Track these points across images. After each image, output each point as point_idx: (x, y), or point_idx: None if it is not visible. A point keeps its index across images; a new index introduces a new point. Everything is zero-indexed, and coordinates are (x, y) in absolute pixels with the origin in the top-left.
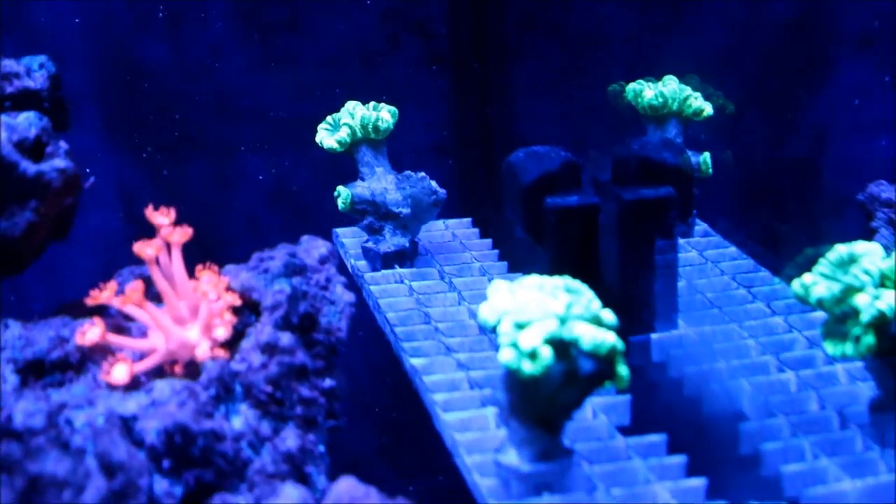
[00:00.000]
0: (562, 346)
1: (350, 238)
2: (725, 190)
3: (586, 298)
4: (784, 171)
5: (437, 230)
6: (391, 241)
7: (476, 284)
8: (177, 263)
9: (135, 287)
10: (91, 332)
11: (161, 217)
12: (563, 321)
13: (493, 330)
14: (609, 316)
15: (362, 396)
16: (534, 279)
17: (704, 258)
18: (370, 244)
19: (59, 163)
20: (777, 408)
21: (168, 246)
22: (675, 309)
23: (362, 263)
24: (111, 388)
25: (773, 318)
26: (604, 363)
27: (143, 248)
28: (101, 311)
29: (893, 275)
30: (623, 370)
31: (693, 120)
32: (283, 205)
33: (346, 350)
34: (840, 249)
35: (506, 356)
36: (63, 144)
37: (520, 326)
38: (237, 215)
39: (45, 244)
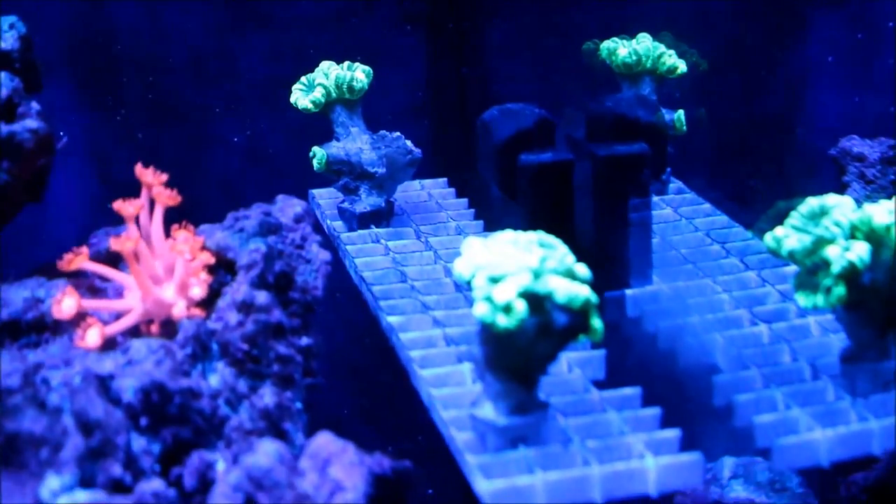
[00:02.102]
0: (536, 300)
1: (326, 199)
2: (700, 147)
3: (560, 253)
4: (758, 128)
5: (413, 190)
6: (367, 201)
7: (452, 243)
8: (156, 224)
9: (131, 236)
10: (66, 304)
11: (150, 176)
12: (537, 275)
13: (468, 284)
14: (583, 270)
15: (339, 355)
16: (508, 234)
17: (679, 215)
18: (346, 204)
19: (32, 123)
20: (750, 360)
21: (150, 206)
22: (649, 265)
23: (338, 224)
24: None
25: (747, 272)
26: (578, 316)
27: (124, 207)
28: (77, 271)
29: (864, 226)
30: (597, 323)
31: (667, 78)
32: (259, 166)
33: (322, 309)
34: (811, 202)
35: (480, 310)
36: (35, 105)
37: (494, 280)
38: (212, 177)
39: (18, 206)
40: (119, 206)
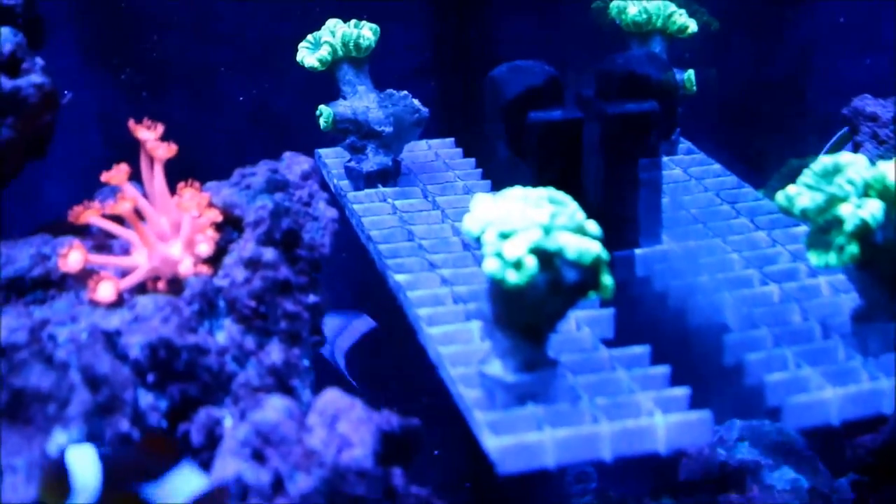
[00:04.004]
0: (546, 256)
1: (333, 158)
2: (710, 108)
3: (571, 209)
4: (769, 88)
5: (420, 150)
6: (374, 160)
7: (459, 202)
8: (158, 180)
9: (128, 196)
10: (72, 258)
11: (146, 132)
12: (547, 231)
13: (477, 240)
14: (593, 227)
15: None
16: (518, 191)
17: (689, 175)
18: (353, 163)
19: (36, 78)
20: (760, 319)
21: (151, 163)
22: (659, 224)
23: (345, 183)
24: (94, 304)
25: (757, 232)
26: (588, 273)
27: (114, 175)
28: (82, 228)
29: (878, 185)
30: (607, 280)
31: (677, 37)
32: (265, 126)
33: (329, 268)
34: (825, 160)
35: (490, 266)
36: (39, 61)
37: (504, 236)
38: (218, 138)
39: (22, 163)
40: (108, 176)
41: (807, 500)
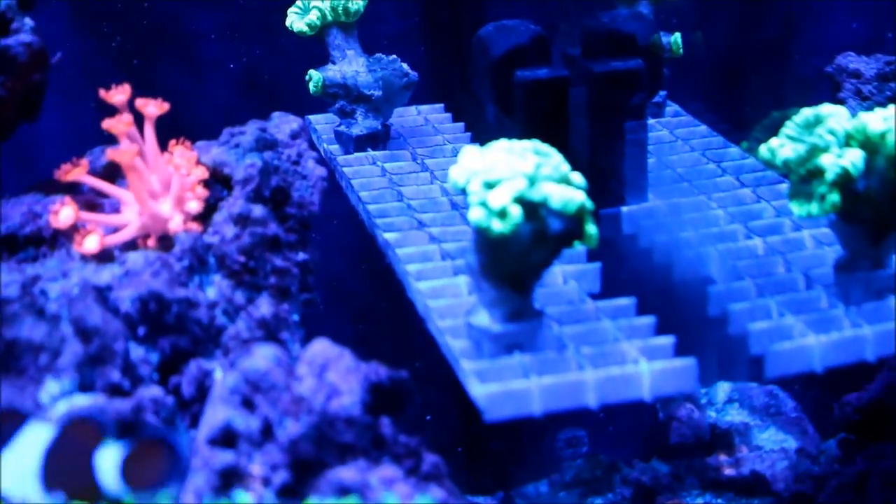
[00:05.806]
0: (531, 206)
1: (323, 124)
2: (696, 71)
3: (555, 160)
4: (755, 51)
5: (410, 115)
6: (363, 123)
7: (448, 164)
8: (149, 138)
9: (130, 149)
10: (64, 214)
11: (118, 95)
12: (532, 181)
13: (463, 191)
14: (578, 178)
15: (336, 275)
16: (503, 143)
17: (675, 136)
18: (342, 128)
19: (25, 37)
20: (744, 271)
21: (141, 120)
22: (645, 182)
23: (335, 147)
24: (85, 260)
25: (742, 189)
26: (572, 222)
27: (115, 124)
28: (73, 187)
29: (859, 135)
30: (591, 229)
31: (664, 1)
32: (255, 92)
33: (320, 232)
34: (806, 112)
35: (475, 215)
36: (29, 21)
37: (489, 186)
38: (209, 104)
39: (13, 122)
40: (109, 123)
41: (795, 461)
